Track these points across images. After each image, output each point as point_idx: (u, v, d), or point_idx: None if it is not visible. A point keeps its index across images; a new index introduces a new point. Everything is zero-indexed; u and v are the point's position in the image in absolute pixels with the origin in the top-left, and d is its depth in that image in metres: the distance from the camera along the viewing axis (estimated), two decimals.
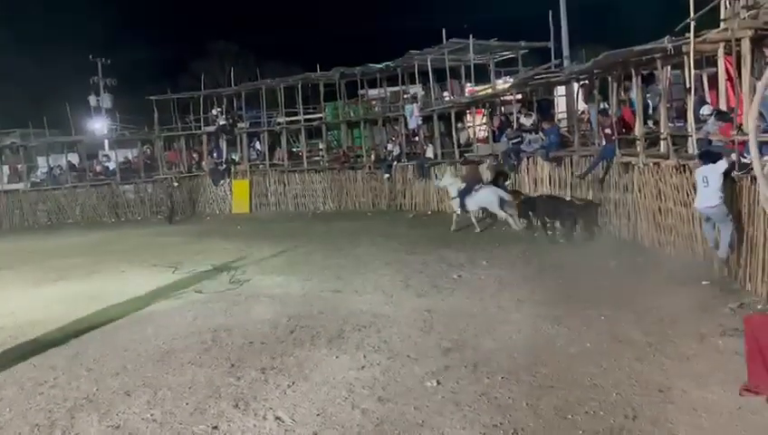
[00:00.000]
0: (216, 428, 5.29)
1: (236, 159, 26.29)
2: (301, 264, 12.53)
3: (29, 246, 18.04)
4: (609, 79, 13.04)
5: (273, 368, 6.56)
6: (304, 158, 25.07)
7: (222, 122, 25.96)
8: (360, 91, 26.61)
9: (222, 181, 25.41)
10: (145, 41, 48.18)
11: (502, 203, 14.61)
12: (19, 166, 26.98)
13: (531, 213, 14.20)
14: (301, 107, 26.03)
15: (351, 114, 26.21)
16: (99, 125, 37.72)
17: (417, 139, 22.37)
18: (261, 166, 25.58)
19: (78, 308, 9.59)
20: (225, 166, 25.59)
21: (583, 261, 10.93)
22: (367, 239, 15.01)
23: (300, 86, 25.83)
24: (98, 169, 27.63)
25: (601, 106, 13.56)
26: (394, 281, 10.37)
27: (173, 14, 53.91)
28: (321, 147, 26.29)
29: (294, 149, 27.11)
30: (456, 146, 19.92)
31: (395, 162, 22.00)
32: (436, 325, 7.74)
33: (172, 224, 22.47)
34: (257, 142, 26.87)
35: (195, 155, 27.46)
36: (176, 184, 25.60)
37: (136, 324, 8.58)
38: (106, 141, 31.36)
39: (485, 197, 14.80)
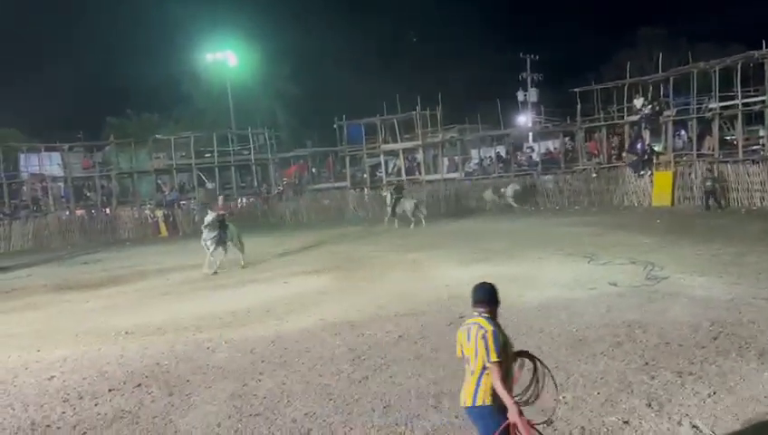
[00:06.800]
0: (626, 422, 5.28)
1: (659, 149, 24.90)
2: (728, 265, 11.29)
3: (457, 229, 20.58)
4: None
5: (690, 373, 6.17)
6: (740, 147, 22.28)
7: (646, 111, 24.93)
8: None
9: (643, 172, 24.42)
10: (570, 35, 49.32)
11: None
12: (456, 157, 30.81)
13: None
14: (739, 89, 23.08)
15: None
16: (524, 119, 40.40)
17: None
18: (686, 156, 23.75)
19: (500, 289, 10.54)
20: (646, 156, 24.51)
21: None
22: None
23: (739, 67, 22.94)
24: (521, 159, 29.67)
25: None
26: None
27: (598, 7, 53.85)
28: (761, 134, 22.95)
29: (728, 138, 24.30)
30: None
31: None
32: None
33: (709, 210, 20.44)
34: (684, 131, 24.98)
35: (614, 145, 27.07)
36: (594, 175, 25.75)
37: (551, 309, 9.03)
38: (530, 134, 33.44)
39: None
